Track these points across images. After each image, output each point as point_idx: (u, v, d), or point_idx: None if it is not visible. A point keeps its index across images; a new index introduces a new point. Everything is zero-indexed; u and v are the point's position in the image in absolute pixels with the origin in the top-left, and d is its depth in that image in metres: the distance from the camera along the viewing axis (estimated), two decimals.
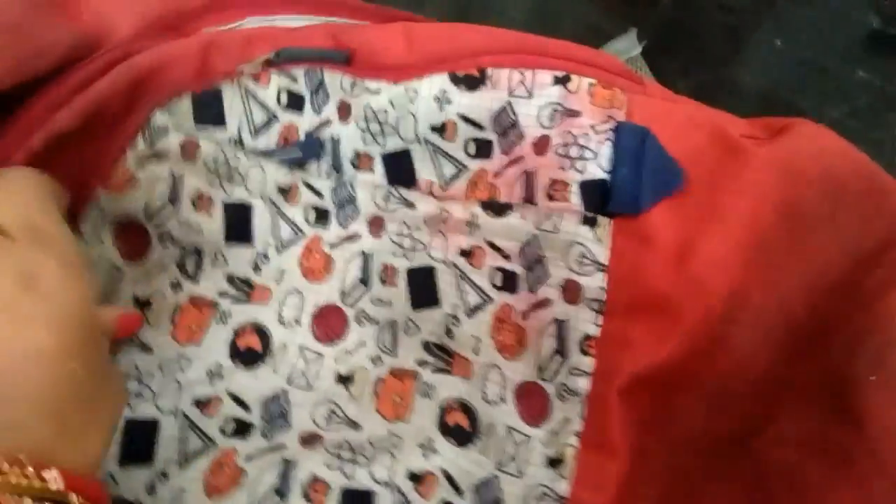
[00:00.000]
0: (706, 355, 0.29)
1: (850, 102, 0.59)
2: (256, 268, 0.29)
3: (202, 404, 0.28)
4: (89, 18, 0.30)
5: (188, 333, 0.28)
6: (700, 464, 0.31)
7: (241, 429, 0.28)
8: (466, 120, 0.31)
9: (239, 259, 0.29)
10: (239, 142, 0.29)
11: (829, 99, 0.59)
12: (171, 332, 0.28)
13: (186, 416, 0.27)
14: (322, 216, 0.31)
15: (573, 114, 0.31)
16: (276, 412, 0.28)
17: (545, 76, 0.31)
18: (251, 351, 0.29)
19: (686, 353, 0.28)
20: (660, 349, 0.28)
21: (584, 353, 0.29)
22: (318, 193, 0.31)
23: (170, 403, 0.27)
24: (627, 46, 0.45)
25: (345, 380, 0.30)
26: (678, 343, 0.28)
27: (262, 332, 0.29)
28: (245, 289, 0.29)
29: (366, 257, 0.31)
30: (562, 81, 0.31)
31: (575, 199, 0.30)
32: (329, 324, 0.30)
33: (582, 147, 0.31)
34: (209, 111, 0.28)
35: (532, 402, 0.29)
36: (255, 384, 0.28)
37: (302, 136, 0.30)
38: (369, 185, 0.31)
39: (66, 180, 0.26)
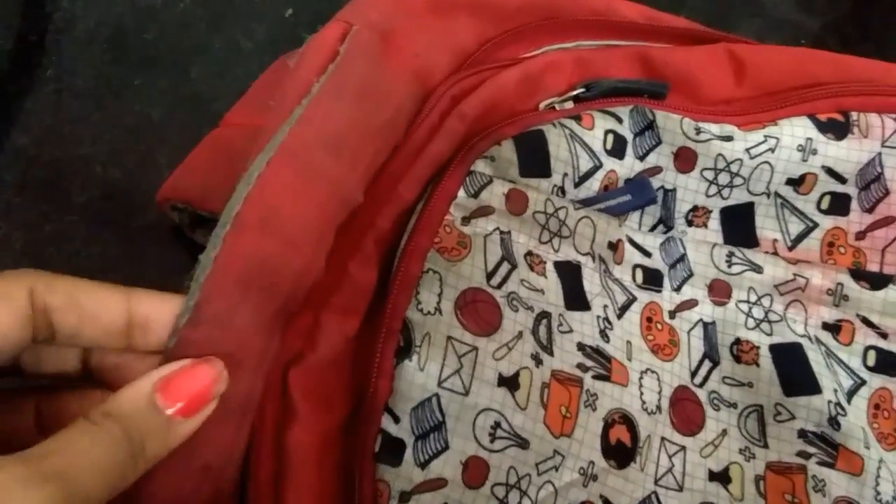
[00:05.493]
0: None
1: None
2: (604, 336, 0.25)
3: None
4: (412, 64, 0.26)
5: (560, 421, 0.24)
6: None
7: None
8: (830, 172, 0.27)
9: (582, 326, 0.25)
10: (561, 191, 0.26)
11: None
12: (544, 419, 0.23)
13: None
14: (652, 278, 0.27)
15: None
16: None
17: None
18: (622, 446, 0.25)
19: None
20: None
21: None
22: (643, 251, 0.27)
23: None
24: None
25: (719, 477, 0.26)
26: None
27: (629, 422, 0.25)
28: (602, 361, 0.25)
29: (706, 328, 0.27)
30: None
31: None
32: (685, 410, 0.26)
33: None
34: (533, 158, 0.25)
35: None
36: (627, 487, 0.24)
37: (621, 184, 0.27)
38: (703, 243, 0.28)
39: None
